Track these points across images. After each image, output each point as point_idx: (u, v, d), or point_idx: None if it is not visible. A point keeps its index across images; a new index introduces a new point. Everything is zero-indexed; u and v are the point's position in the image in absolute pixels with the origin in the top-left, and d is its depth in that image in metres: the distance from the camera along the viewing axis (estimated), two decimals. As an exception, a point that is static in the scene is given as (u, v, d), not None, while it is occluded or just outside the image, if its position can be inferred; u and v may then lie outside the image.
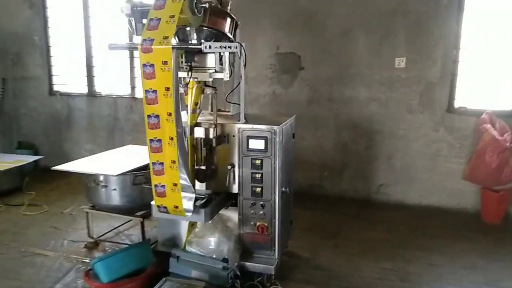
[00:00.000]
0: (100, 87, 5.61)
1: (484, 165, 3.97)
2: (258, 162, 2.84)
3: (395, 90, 4.42)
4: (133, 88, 5.41)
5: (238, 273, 2.81)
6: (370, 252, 3.48)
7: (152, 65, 2.27)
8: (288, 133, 3.05)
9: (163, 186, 2.48)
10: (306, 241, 3.65)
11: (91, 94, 5.59)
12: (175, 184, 2.45)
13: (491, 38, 4.13)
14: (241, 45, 2.74)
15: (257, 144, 2.82)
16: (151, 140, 2.42)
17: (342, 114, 4.63)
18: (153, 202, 2.64)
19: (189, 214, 2.53)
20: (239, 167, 2.88)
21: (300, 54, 4.64)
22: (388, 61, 4.38)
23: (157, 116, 2.36)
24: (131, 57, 5.32)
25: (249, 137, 2.82)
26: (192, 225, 2.97)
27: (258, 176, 2.85)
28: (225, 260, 2.74)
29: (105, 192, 3.28)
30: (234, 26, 2.79)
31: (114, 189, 3.24)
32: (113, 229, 3.81)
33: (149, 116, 2.37)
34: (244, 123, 2.85)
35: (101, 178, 3.24)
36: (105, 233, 3.71)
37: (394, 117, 4.48)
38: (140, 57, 2.27)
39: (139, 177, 3.26)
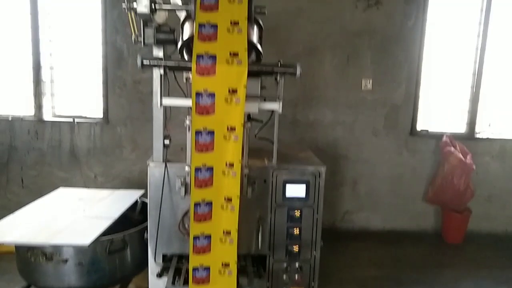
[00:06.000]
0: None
1: (452, 188, 4.03)
2: (297, 213, 2.24)
3: (361, 113, 4.24)
4: (39, 107, 4.13)
5: None
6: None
7: (211, 95, 1.52)
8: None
9: (206, 269, 1.71)
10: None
11: (-28, 115, 4.13)
12: (227, 265, 1.71)
13: (446, 64, 4.27)
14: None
15: (296, 191, 2.22)
16: (196, 205, 1.63)
17: (306, 138, 4.26)
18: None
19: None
20: (270, 221, 2.23)
21: (261, 72, 4.12)
22: (355, 83, 4.18)
23: (209, 169, 1.60)
24: (36, 68, 4.07)
25: (286, 182, 2.21)
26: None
27: (296, 231, 2.26)
28: None
29: (61, 270, 2.23)
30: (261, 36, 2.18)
31: (80, 264, 2.23)
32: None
33: (197, 169, 1.59)
34: (279, 164, 2.22)
35: (59, 250, 2.20)
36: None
37: (359, 141, 4.29)
38: (194, 82, 1.49)
39: (116, 241, 2.31)
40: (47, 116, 4.19)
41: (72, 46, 4.11)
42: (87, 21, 4.05)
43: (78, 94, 4.20)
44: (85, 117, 4.20)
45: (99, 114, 4.19)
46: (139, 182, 4.14)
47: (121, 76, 4.08)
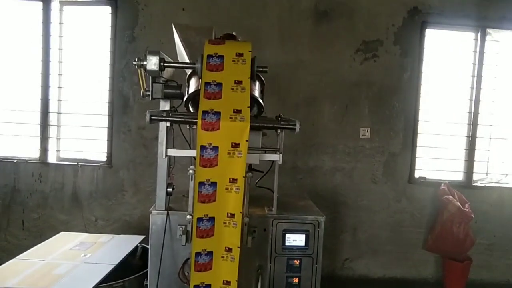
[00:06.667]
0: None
1: (451, 236, 4.03)
2: (296, 263, 2.26)
3: (359, 161, 4.32)
4: (44, 150, 4.23)
5: None
6: None
7: (214, 148, 1.60)
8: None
9: (206, 286, 1.72)
10: None
11: (-24, 157, 4.23)
12: (228, 282, 1.72)
13: (442, 113, 4.41)
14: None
15: (296, 240, 2.26)
16: (197, 254, 1.68)
17: (306, 184, 4.31)
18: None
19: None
20: (269, 270, 2.25)
21: (262, 120, 4.25)
22: (353, 131, 4.29)
23: (211, 219, 1.66)
24: (44, 112, 4.21)
25: (286, 231, 2.25)
26: None
27: (295, 280, 2.27)
28: None
29: (59, 317, 2.23)
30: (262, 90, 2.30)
31: (78, 312, 2.23)
32: None
33: (199, 219, 1.65)
34: (279, 213, 2.28)
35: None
36: None
37: (358, 188, 4.34)
38: (199, 137, 1.59)
39: (116, 289, 2.33)
40: (52, 159, 4.27)
41: (80, 92, 4.27)
42: (95, 69, 4.23)
43: (83, 138, 4.30)
44: (89, 161, 4.28)
45: (103, 158, 4.27)
46: (140, 226, 4.16)
47: (126, 122, 4.21)
